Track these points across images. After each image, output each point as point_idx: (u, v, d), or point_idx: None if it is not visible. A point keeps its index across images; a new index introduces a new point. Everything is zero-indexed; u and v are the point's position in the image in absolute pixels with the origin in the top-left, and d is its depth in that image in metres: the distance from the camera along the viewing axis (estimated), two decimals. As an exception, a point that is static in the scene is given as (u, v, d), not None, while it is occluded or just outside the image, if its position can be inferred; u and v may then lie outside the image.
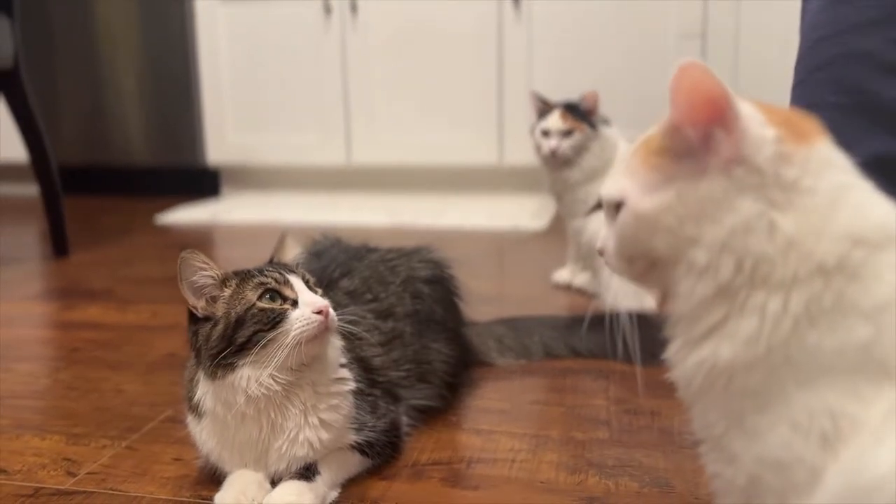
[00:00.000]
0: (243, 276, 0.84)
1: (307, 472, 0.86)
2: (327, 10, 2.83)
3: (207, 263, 0.84)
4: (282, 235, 0.93)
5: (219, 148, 3.04)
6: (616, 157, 1.60)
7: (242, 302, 0.81)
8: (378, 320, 1.02)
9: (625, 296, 1.53)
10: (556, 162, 1.59)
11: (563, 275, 1.74)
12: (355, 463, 0.90)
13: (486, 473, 0.91)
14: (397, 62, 2.84)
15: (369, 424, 0.90)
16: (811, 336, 0.46)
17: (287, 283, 0.83)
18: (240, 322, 0.81)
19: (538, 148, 1.61)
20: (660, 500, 0.85)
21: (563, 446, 0.97)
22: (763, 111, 0.51)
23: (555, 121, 1.57)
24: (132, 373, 1.24)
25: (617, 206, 0.54)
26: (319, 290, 0.86)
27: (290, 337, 0.80)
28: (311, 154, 2.96)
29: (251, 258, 0.95)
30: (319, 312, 0.81)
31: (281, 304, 0.82)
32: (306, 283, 0.85)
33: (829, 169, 0.50)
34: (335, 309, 0.88)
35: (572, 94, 1.65)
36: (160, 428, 1.04)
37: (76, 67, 3.09)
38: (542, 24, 2.71)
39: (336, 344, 0.88)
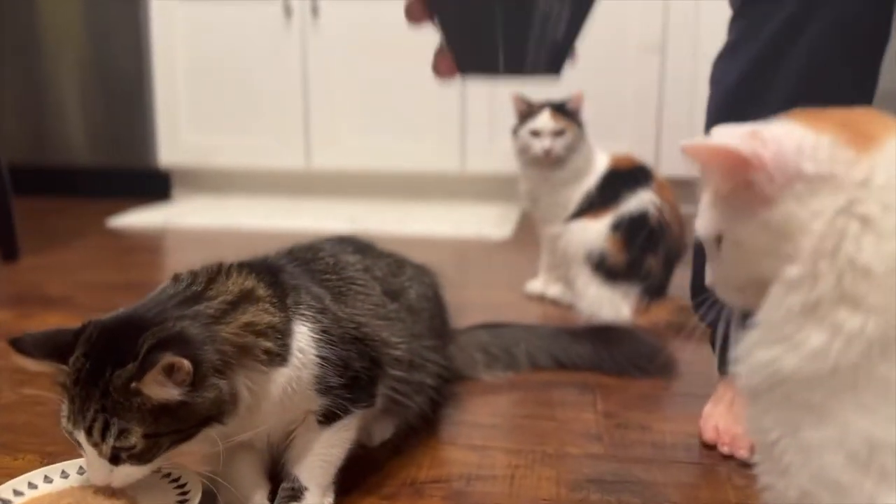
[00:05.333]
0: None
1: (294, 493, 0.83)
2: (288, 11, 2.78)
3: None
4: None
5: (171, 149, 2.95)
6: (593, 161, 1.61)
7: None
8: (385, 297, 0.97)
9: (600, 306, 1.56)
10: (549, 162, 1.58)
11: (535, 285, 1.73)
12: (332, 443, 0.85)
13: (487, 491, 0.90)
14: (359, 66, 2.80)
15: (335, 385, 0.83)
16: (881, 367, 0.46)
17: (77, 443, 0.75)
18: None
19: (525, 149, 1.60)
20: (664, 517, 0.85)
21: (559, 462, 0.97)
22: (812, 121, 0.51)
23: (546, 120, 1.57)
24: (103, 386, 1.19)
25: (717, 241, 0.55)
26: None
27: None
28: (269, 157, 2.90)
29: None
30: None
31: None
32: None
33: None
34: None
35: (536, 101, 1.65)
36: (141, 445, 1.00)
37: (18, 62, 2.95)
38: (505, 33, 2.71)
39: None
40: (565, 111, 1.60)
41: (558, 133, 1.58)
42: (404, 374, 0.95)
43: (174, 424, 0.73)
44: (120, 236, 2.38)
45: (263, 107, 2.88)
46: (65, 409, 0.74)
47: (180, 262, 2.24)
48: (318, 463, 0.85)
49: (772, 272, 0.51)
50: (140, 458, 0.73)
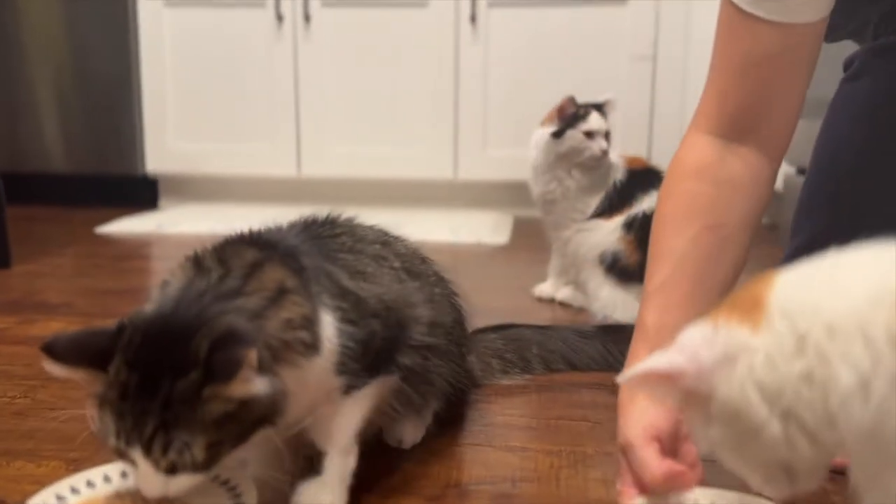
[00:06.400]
0: None
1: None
2: (279, 17, 2.76)
3: None
4: None
5: (159, 156, 2.90)
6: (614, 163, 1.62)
7: None
8: (404, 273, 0.94)
9: (614, 307, 1.55)
10: (603, 162, 1.57)
11: (545, 289, 1.72)
12: (350, 409, 0.83)
13: (536, 492, 0.88)
14: (351, 73, 2.79)
15: (356, 368, 0.80)
16: None
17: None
18: None
19: (578, 151, 1.56)
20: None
21: (602, 462, 0.95)
22: (713, 313, 0.57)
23: (597, 121, 1.56)
24: (118, 392, 1.15)
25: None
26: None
27: None
28: (260, 165, 2.87)
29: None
30: None
31: None
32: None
33: (799, 315, 0.52)
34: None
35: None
36: (169, 451, 0.96)
37: None
38: (498, 42, 2.72)
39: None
40: (603, 113, 1.60)
41: (607, 134, 1.58)
42: (421, 359, 0.90)
43: (236, 429, 0.69)
44: (110, 244, 2.33)
45: (254, 114, 2.85)
46: (111, 425, 0.68)
47: (168, 270, 2.20)
48: (335, 428, 0.82)
49: (773, 446, 0.53)
50: (201, 467, 0.69)
